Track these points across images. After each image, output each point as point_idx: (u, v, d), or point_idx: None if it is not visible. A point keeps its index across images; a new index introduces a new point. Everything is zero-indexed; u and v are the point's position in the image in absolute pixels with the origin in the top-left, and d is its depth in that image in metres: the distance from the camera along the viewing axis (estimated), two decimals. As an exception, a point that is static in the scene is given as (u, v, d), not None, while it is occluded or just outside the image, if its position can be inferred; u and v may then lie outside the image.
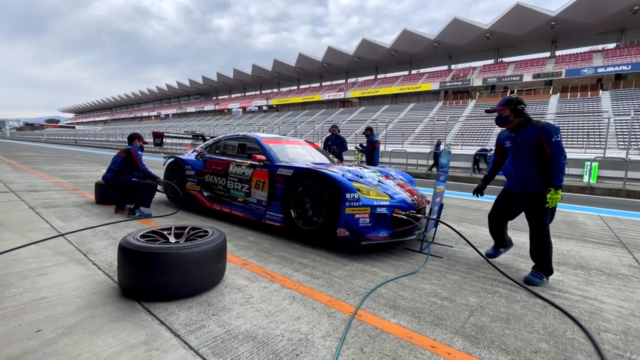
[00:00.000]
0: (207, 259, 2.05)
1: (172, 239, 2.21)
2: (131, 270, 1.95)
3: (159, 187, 5.40)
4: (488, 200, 2.74)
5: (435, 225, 3.64)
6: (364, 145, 7.46)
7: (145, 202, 4.24)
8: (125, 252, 1.94)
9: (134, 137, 4.47)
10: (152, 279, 1.91)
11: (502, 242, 2.93)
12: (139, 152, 4.38)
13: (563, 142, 2.39)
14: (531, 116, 2.57)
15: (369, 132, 7.32)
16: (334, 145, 7.43)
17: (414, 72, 42.53)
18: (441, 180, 3.51)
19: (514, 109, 2.52)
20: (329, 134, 7.68)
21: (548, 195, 2.36)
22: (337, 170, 3.36)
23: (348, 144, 7.92)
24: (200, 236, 2.24)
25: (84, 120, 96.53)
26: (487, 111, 2.79)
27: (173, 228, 2.34)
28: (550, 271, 2.55)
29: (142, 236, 2.12)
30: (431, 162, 15.10)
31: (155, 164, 14.13)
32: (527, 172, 2.51)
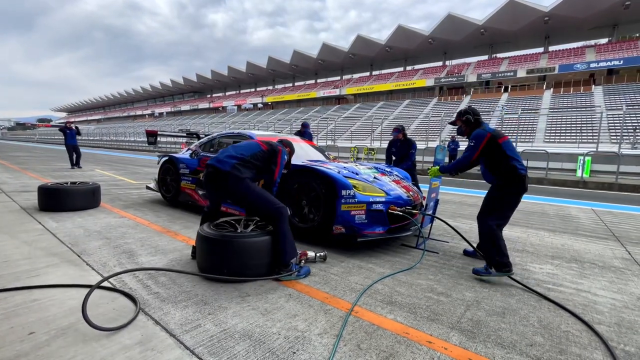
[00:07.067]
0: (265, 248, 2.33)
1: (240, 229, 2.49)
2: (206, 253, 2.32)
3: (152, 186, 5.34)
4: (483, 196, 2.76)
5: (431, 221, 3.65)
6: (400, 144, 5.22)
7: None
8: (201, 238, 2.33)
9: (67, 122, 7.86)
10: (229, 262, 2.24)
11: None
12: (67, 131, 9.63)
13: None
14: (481, 122, 2.76)
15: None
16: None
17: (408, 68, 42.51)
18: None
19: (463, 120, 2.84)
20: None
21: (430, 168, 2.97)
22: (333, 167, 3.35)
23: (345, 142, 7.88)
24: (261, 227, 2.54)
25: (77, 119, 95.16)
26: (450, 123, 3.16)
27: (243, 219, 2.65)
28: (498, 265, 2.45)
29: (215, 225, 2.52)
30: (428, 158, 15.07)
31: (149, 162, 14.06)
32: (482, 169, 2.81)
